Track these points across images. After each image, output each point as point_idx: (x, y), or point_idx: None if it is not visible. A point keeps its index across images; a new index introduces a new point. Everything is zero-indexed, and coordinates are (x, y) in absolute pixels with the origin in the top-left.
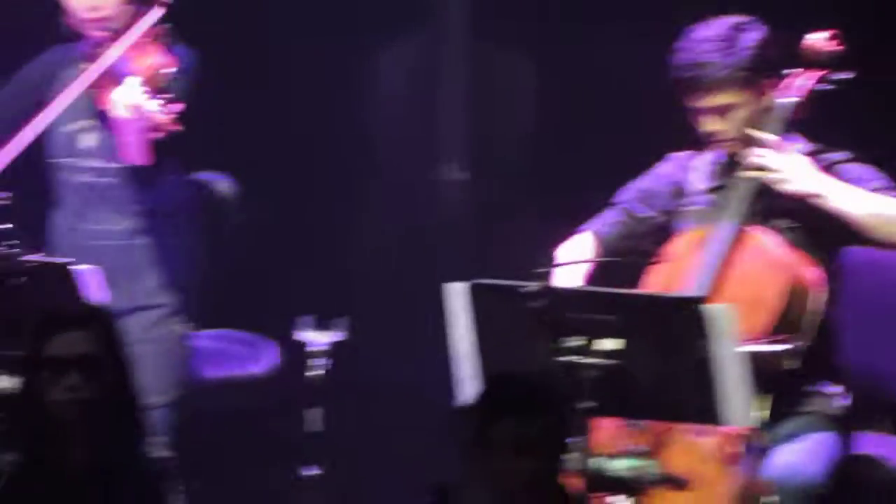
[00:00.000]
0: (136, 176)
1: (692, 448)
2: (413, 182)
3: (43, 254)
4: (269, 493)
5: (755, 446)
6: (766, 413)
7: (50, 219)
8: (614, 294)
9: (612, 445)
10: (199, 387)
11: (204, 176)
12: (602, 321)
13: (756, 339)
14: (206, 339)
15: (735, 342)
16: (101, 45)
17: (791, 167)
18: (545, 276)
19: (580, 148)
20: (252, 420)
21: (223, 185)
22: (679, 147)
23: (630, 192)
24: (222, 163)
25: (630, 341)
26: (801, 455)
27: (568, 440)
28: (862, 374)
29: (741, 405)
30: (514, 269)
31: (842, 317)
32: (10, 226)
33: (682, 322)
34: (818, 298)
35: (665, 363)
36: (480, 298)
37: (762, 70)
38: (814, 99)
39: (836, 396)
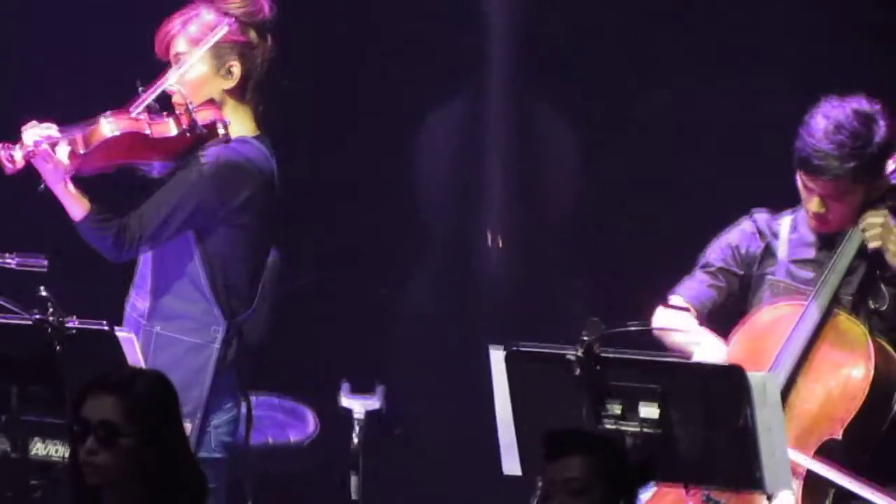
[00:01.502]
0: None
1: None
2: (455, 247)
3: (75, 318)
4: None
5: None
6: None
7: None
8: (656, 361)
9: None
10: (241, 452)
11: None
12: (644, 388)
13: (833, 430)
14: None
15: (777, 410)
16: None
17: None
18: (598, 340)
19: (623, 210)
20: (292, 485)
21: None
22: (723, 206)
23: (719, 252)
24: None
25: (672, 407)
26: None
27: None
28: None
29: (781, 471)
30: (558, 333)
31: None
32: (45, 293)
33: (724, 390)
34: None
35: (708, 430)
36: (518, 364)
37: (883, 164)
38: None
39: None
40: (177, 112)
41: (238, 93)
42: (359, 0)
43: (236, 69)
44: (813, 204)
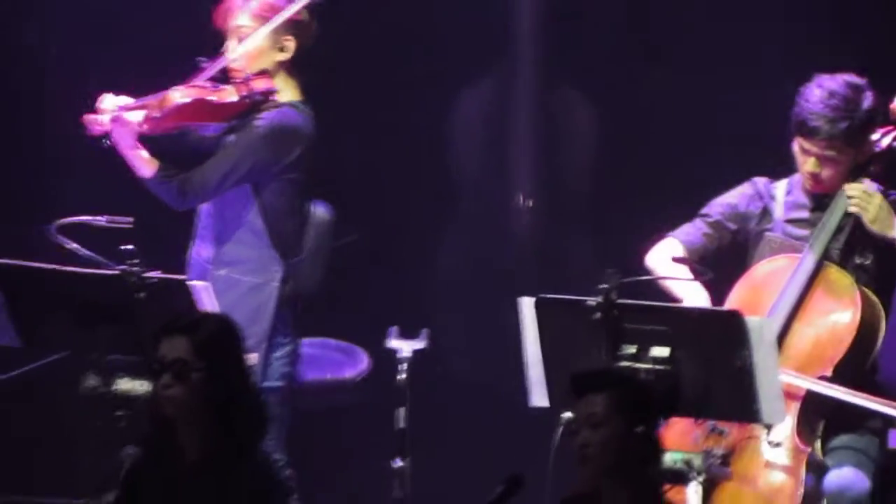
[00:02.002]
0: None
1: (762, 456)
2: (489, 207)
3: (160, 272)
4: (362, 482)
5: (815, 461)
6: (820, 433)
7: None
8: (667, 308)
9: (688, 444)
10: (302, 387)
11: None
12: (655, 331)
13: (825, 368)
14: (308, 346)
15: (772, 351)
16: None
17: (881, 210)
18: (615, 288)
19: (635, 177)
20: (347, 416)
21: (324, 212)
22: (726, 175)
23: (719, 207)
24: (322, 192)
25: (680, 349)
26: (851, 474)
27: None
28: (891, 385)
29: (776, 404)
30: (578, 285)
31: (886, 340)
32: (132, 247)
33: (725, 333)
34: (882, 333)
35: (711, 368)
36: (546, 311)
37: (869, 130)
38: (890, 154)
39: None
40: (235, 80)
41: (289, 64)
42: None
43: (290, 44)
44: (808, 164)
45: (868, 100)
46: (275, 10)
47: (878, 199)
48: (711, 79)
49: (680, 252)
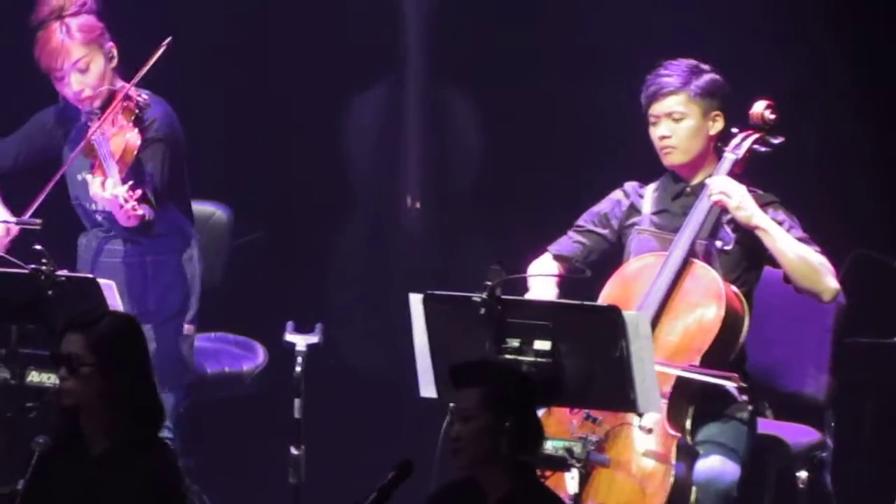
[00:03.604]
0: (134, 231)
1: (634, 442)
2: (381, 208)
3: (67, 271)
4: (260, 469)
5: (685, 446)
6: (690, 419)
7: (79, 240)
8: (549, 303)
9: (566, 432)
10: (201, 379)
11: (207, 204)
12: (537, 325)
13: (692, 358)
14: (208, 340)
15: (648, 343)
16: (89, 120)
17: (744, 198)
18: (499, 285)
19: (523, 180)
20: (244, 407)
21: (223, 213)
22: (602, 180)
23: (588, 216)
24: (223, 193)
25: (561, 342)
26: (719, 463)
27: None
28: (756, 372)
29: (651, 394)
30: (465, 282)
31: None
32: (41, 247)
33: (604, 326)
34: (746, 325)
35: (590, 360)
36: (433, 306)
37: (710, 96)
38: (753, 157)
39: (742, 399)
40: (119, 102)
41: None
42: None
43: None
44: (659, 129)
45: (710, 71)
46: (94, 29)
47: (741, 188)
48: (598, 83)
49: (552, 264)
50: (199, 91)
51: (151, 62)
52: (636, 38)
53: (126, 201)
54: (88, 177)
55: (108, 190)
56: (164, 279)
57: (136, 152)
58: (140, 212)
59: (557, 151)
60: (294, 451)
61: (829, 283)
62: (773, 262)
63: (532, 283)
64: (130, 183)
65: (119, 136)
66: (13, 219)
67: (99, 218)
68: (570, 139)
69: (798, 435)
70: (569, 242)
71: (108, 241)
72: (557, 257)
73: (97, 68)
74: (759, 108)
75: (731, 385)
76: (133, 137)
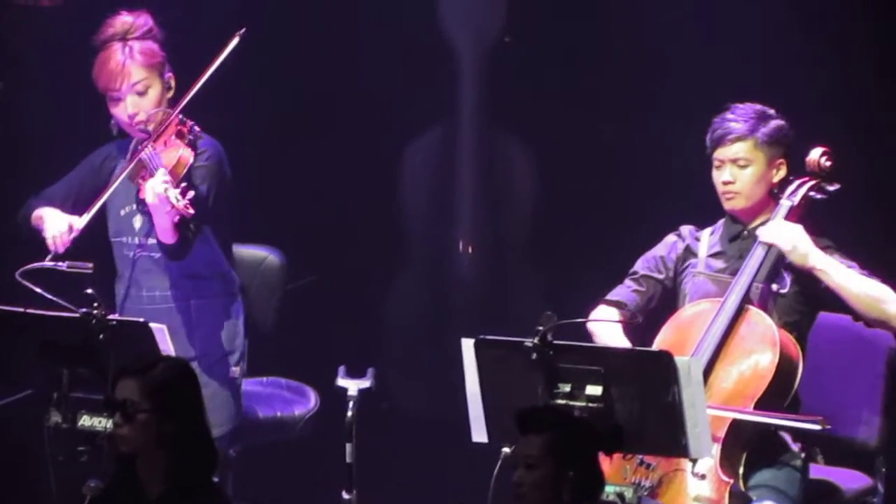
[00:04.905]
0: (171, 250)
1: (688, 488)
2: (434, 253)
3: (118, 315)
4: None
5: (738, 492)
6: (742, 465)
7: (115, 288)
8: (600, 348)
9: (620, 477)
10: (253, 424)
11: (260, 248)
12: (589, 370)
13: (746, 404)
14: (260, 385)
15: (699, 389)
16: (140, 143)
17: (800, 241)
18: (550, 330)
19: (575, 225)
20: (297, 451)
21: (275, 257)
22: (659, 224)
23: (644, 262)
24: (276, 238)
25: (613, 387)
26: None
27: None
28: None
29: (703, 440)
30: (517, 327)
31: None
32: (92, 291)
33: (656, 371)
34: (800, 371)
35: (642, 405)
36: (485, 351)
37: (776, 144)
38: (809, 204)
39: (796, 445)
40: (173, 128)
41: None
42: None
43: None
44: (723, 174)
45: (776, 117)
46: (156, 55)
47: (797, 228)
48: (656, 125)
49: (611, 310)
50: (256, 135)
51: (198, 86)
52: (690, 85)
53: (178, 199)
54: (139, 181)
55: (159, 184)
56: (207, 322)
57: (188, 166)
58: (191, 210)
59: (609, 196)
60: (346, 495)
61: None
62: (830, 306)
63: (599, 334)
64: (184, 185)
65: (172, 150)
66: (64, 263)
67: (135, 255)
68: (622, 184)
69: (850, 480)
70: (627, 292)
71: (141, 285)
72: (616, 304)
73: (154, 94)
74: (815, 155)
75: (816, 428)
76: (186, 153)
